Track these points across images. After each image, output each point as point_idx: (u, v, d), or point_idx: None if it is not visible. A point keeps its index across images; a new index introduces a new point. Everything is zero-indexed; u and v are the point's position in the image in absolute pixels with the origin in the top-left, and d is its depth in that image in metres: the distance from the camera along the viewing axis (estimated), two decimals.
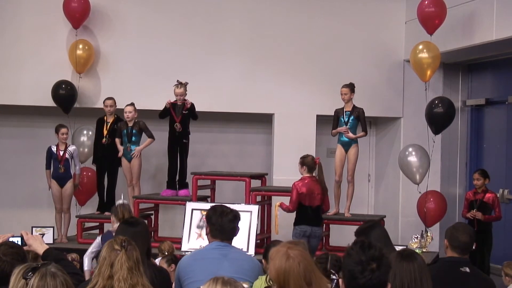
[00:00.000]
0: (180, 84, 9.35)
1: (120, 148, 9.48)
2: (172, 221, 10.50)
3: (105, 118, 9.71)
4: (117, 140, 9.52)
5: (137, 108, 9.51)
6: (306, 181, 8.10)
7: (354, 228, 8.57)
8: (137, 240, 3.77)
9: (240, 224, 4.62)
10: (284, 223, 9.73)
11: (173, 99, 9.37)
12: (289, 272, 3.12)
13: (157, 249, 7.27)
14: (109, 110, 9.65)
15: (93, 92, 10.33)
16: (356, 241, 3.01)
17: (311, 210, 8.13)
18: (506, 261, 6.75)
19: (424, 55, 9.83)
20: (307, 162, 8.19)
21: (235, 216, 4.55)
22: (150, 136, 9.53)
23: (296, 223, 8.14)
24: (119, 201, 7.27)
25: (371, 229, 4.71)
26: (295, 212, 8.20)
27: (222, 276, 3.20)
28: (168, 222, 10.42)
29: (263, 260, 5.23)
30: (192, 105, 9.38)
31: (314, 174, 8.22)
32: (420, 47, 9.85)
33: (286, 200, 9.58)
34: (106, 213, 9.63)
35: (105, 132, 9.62)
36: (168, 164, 9.59)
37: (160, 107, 9.51)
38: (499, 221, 9.08)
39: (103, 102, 9.73)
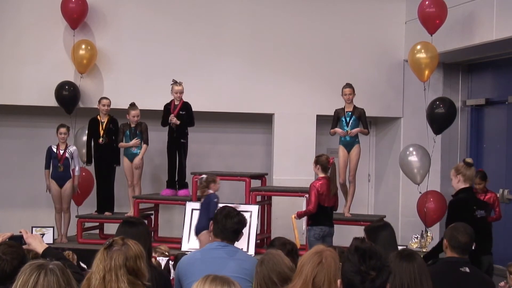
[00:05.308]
0: (178, 82, 9.38)
1: (129, 144, 9.49)
2: (172, 221, 10.50)
3: (98, 118, 9.68)
4: (123, 144, 9.52)
5: (138, 107, 9.53)
6: (323, 181, 7.92)
7: (354, 228, 8.67)
8: (137, 240, 3.76)
9: (243, 229, 4.61)
10: (283, 223, 9.75)
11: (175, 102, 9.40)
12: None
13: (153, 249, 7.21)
14: (106, 110, 9.63)
15: (95, 92, 10.31)
16: (356, 247, 2.87)
17: (330, 210, 8.06)
18: (507, 261, 6.76)
19: (422, 55, 9.82)
20: (321, 161, 7.98)
21: (240, 220, 4.56)
22: (146, 141, 9.53)
23: (315, 223, 7.88)
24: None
25: (381, 229, 4.72)
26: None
27: (215, 274, 3.17)
28: (168, 222, 10.42)
29: None
30: (188, 105, 9.43)
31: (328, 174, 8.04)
32: (418, 47, 9.84)
33: (285, 200, 9.57)
34: (106, 213, 9.65)
35: (101, 132, 9.60)
36: (167, 163, 9.59)
37: (161, 106, 9.52)
38: (499, 220, 9.05)
39: (100, 102, 9.69)
